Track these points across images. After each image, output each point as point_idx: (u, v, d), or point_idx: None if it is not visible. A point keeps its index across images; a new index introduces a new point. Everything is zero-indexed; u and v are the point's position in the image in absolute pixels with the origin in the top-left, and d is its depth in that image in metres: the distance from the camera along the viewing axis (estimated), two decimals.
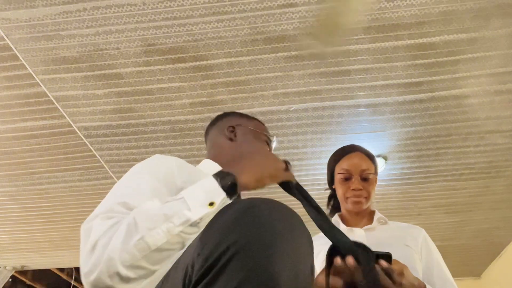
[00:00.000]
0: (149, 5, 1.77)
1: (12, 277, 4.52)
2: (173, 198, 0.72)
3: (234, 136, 1.07)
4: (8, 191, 3.00)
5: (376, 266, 0.97)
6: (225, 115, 1.18)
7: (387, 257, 1.01)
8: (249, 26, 1.88)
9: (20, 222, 3.40)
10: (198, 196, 0.70)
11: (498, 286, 4.19)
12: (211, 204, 0.68)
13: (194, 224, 0.67)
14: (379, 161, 2.73)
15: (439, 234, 3.73)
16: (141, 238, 0.65)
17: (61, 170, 2.80)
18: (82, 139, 2.53)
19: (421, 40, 1.96)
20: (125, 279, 0.64)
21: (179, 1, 1.76)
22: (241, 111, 1.33)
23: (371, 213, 1.40)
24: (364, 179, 1.33)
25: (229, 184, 0.72)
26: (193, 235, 0.67)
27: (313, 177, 2.81)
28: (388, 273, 0.98)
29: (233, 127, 1.10)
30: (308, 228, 0.58)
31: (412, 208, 3.32)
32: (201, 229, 0.66)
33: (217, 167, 1.01)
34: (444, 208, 3.33)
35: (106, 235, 0.67)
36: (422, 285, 1.06)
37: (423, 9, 1.81)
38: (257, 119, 1.17)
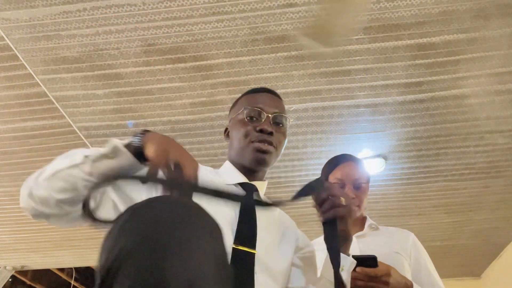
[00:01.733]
0: (149, 5, 1.77)
1: (12, 277, 4.52)
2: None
3: (227, 135, 1.07)
4: (8, 191, 3.01)
5: (360, 271, 1.01)
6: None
7: (373, 260, 1.05)
8: (249, 26, 1.88)
9: (20, 222, 3.40)
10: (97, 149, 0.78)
11: (498, 286, 4.19)
12: (103, 151, 0.75)
13: (86, 162, 0.74)
14: (379, 161, 2.73)
15: (439, 234, 3.73)
16: (50, 165, 0.78)
17: None
18: (82, 139, 2.53)
19: (421, 40, 1.96)
20: (33, 197, 0.75)
21: (179, 1, 1.76)
22: None
23: (363, 220, 1.44)
24: (357, 188, 1.38)
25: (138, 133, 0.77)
26: (85, 176, 0.73)
27: (313, 177, 2.80)
28: (372, 276, 1.02)
29: (226, 128, 1.09)
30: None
31: (412, 208, 3.32)
32: (93, 173, 0.73)
33: (230, 166, 1.01)
34: (444, 208, 3.33)
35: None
36: (409, 283, 1.10)
37: (423, 9, 1.81)
38: (242, 96, 1.11)
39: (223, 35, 1.91)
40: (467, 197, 3.18)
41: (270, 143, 0.95)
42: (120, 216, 0.52)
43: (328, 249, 0.86)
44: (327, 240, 0.87)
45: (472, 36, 1.94)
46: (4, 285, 4.35)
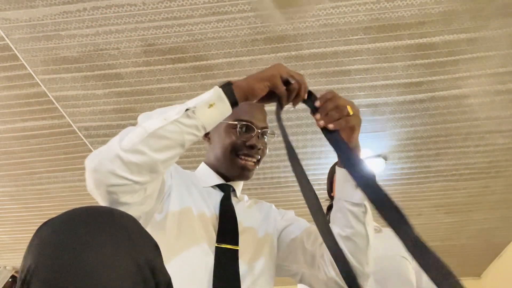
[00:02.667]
0: (149, 5, 1.77)
1: (12, 277, 4.52)
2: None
3: (208, 138, 1.05)
4: (8, 191, 3.01)
5: None
6: None
7: None
8: (249, 26, 1.88)
9: (20, 222, 3.40)
10: (197, 97, 0.74)
11: (498, 286, 4.19)
12: (208, 100, 0.72)
13: (190, 115, 0.70)
14: (379, 161, 2.73)
15: (439, 234, 3.73)
16: (139, 126, 0.70)
17: (61, 170, 2.80)
18: (82, 139, 2.54)
19: (421, 40, 1.96)
20: (127, 164, 0.65)
21: (179, 1, 1.76)
22: None
23: None
24: None
25: (224, 84, 0.75)
26: (190, 129, 0.71)
27: (313, 177, 2.80)
28: None
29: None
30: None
31: (412, 208, 3.32)
32: (199, 125, 0.71)
33: (207, 168, 1.02)
34: (444, 208, 3.33)
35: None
36: None
37: (423, 9, 1.81)
38: None
39: (223, 35, 1.91)
40: (467, 197, 3.18)
41: (256, 160, 0.98)
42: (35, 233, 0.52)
43: (340, 156, 0.77)
44: (338, 148, 0.77)
45: (472, 36, 1.94)
46: (4, 285, 4.35)
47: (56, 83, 2.14)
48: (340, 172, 0.84)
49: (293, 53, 2.01)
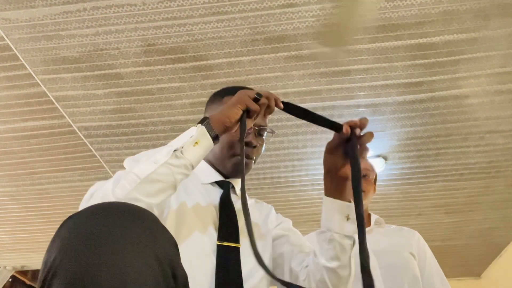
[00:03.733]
0: (149, 5, 1.77)
1: (12, 277, 4.52)
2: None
3: None
4: (8, 191, 3.01)
5: None
6: (205, 107, 1.17)
7: None
8: (249, 26, 1.88)
9: (20, 222, 3.40)
10: (180, 137, 0.77)
11: (498, 286, 4.19)
12: (194, 139, 0.75)
13: (179, 155, 0.72)
14: (379, 161, 2.73)
15: (439, 234, 3.73)
16: (130, 172, 0.69)
17: (61, 170, 2.80)
18: (82, 139, 2.54)
19: (421, 40, 1.96)
20: None
21: (179, 1, 1.76)
22: None
23: (368, 216, 1.49)
24: (364, 175, 1.44)
25: (202, 120, 0.78)
26: (180, 169, 0.72)
27: (313, 177, 2.81)
28: None
29: None
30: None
31: (412, 208, 3.32)
32: (187, 164, 0.72)
33: (206, 165, 1.02)
34: (444, 208, 3.33)
35: (102, 185, 0.71)
36: None
37: (423, 9, 1.81)
38: (226, 95, 1.06)
39: (223, 35, 1.91)
40: (467, 197, 3.18)
41: (252, 158, 0.98)
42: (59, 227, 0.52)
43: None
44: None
45: (472, 36, 1.94)
46: (4, 285, 4.35)
47: (56, 83, 2.14)
48: (328, 202, 0.83)
49: (293, 53, 2.01)
